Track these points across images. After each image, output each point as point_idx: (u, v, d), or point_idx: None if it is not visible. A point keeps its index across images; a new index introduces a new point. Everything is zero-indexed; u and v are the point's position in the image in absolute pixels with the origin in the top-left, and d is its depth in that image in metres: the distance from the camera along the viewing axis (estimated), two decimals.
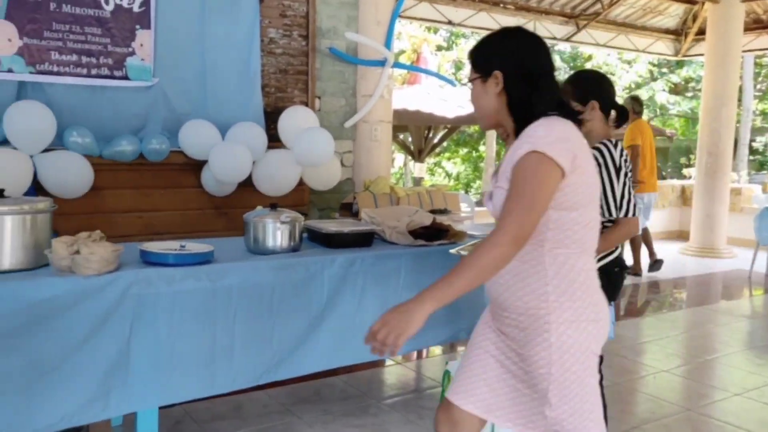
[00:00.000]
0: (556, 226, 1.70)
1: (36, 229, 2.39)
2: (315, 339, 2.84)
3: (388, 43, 5.44)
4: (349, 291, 2.91)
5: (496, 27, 8.74)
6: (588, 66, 17.82)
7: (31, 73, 3.95)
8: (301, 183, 4.80)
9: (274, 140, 4.72)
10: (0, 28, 3.85)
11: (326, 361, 2.91)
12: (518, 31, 1.85)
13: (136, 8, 4.26)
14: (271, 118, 4.87)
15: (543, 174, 1.63)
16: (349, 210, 4.77)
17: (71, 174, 3.88)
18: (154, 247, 2.58)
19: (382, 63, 5.40)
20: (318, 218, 5.23)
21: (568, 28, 9.18)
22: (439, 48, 15.47)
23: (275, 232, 2.82)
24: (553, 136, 1.66)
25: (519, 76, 1.75)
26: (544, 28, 8.90)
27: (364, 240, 3.10)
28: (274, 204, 2.92)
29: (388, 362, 4.10)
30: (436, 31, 14.54)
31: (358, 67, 5.40)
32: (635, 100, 7.00)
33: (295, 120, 4.68)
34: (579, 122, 1.78)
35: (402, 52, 11.69)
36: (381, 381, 3.86)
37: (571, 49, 17.76)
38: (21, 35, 3.91)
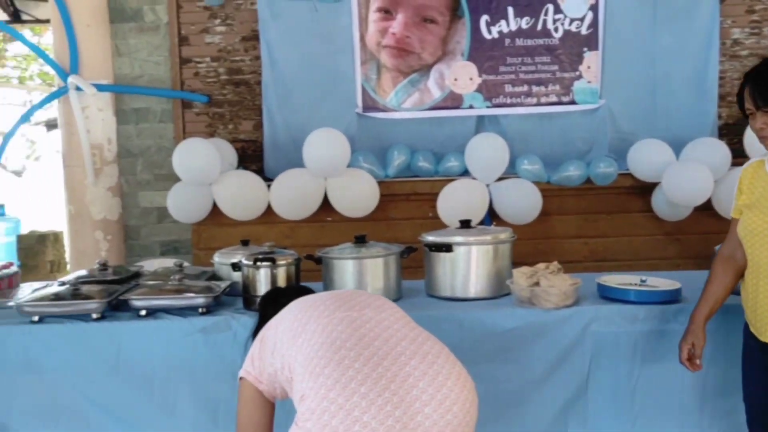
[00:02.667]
0: None
1: (498, 259, 2.45)
2: None
3: None
4: None
5: None
6: None
7: (488, 107, 4.25)
8: None
9: (739, 155, 4.07)
10: (463, 68, 4.24)
11: None
12: None
13: (584, 31, 4.20)
14: (734, 131, 4.24)
15: None
16: None
17: (522, 201, 4.01)
18: (612, 281, 2.40)
19: None
20: None
21: None
22: None
23: None
24: None
25: None
26: None
27: None
28: None
29: None
30: None
31: None
32: None
33: None
34: None
35: None
36: None
37: None
38: (480, 73, 4.23)
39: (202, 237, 4.22)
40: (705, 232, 4.10)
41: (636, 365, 2.28)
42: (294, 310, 1.68)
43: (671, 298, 2.27)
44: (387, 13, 4.19)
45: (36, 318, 2.21)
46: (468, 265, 2.43)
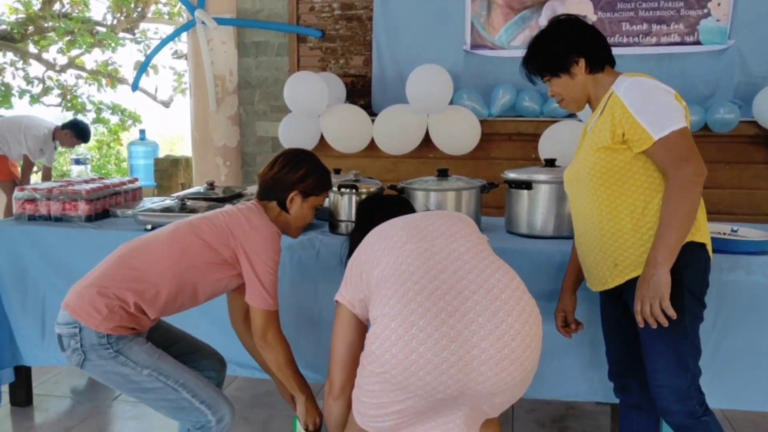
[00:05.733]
0: None
1: None
2: None
3: None
4: None
5: None
6: None
7: None
8: None
9: None
10: (578, 5, 4.06)
11: None
12: None
13: None
14: None
15: None
16: None
17: None
18: None
19: None
20: None
21: None
22: None
23: None
24: None
25: None
26: None
27: None
28: None
29: None
30: None
31: None
32: None
33: None
34: None
35: None
36: None
37: None
38: (596, 10, 4.04)
39: None
40: None
41: (717, 316, 2.21)
42: (372, 241, 1.74)
43: (759, 249, 2.16)
44: None
45: (149, 227, 2.51)
46: (548, 204, 2.44)
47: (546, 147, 3.89)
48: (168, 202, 2.74)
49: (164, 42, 5.23)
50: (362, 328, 1.77)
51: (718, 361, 2.21)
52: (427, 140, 4.11)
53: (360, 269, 1.72)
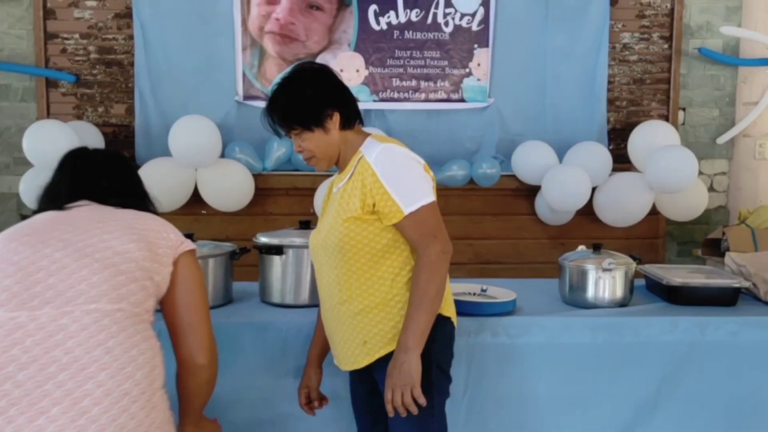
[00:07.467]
0: None
1: None
2: (645, 426, 2.19)
3: None
4: (696, 367, 2.18)
5: None
6: None
7: (374, 101, 4.09)
8: (655, 212, 4.04)
9: (623, 161, 4.07)
10: (350, 59, 4.07)
11: None
12: None
13: (474, 27, 4.10)
14: (620, 136, 4.23)
15: None
16: (717, 248, 3.82)
17: None
18: (452, 289, 2.27)
19: None
20: (676, 254, 4.36)
21: None
22: None
23: (596, 281, 2.26)
24: None
25: None
26: None
27: (725, 298, 2.31)
28: (597, 245, 2.36)
29: None
30: None
31: (738, 69, 4.35)
32: None
33: (650, 137, 3.94)
34: None
35: None
36: None
37: None
38: (367, 65, 4.08)
39: None
40: (587, 237, 4.05)
41: (468, 378, 2.16)
42: None
43: (504, 310, 2.16)
44: None
45: None
46: (301, 270, 2.27)
47: (320, 202, 3.78)
48: None
49: None
50: None
51: (470, 423, 2.17)
52: (197, 196, 3.82)
53: None
